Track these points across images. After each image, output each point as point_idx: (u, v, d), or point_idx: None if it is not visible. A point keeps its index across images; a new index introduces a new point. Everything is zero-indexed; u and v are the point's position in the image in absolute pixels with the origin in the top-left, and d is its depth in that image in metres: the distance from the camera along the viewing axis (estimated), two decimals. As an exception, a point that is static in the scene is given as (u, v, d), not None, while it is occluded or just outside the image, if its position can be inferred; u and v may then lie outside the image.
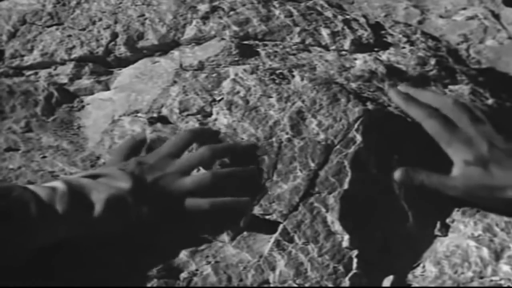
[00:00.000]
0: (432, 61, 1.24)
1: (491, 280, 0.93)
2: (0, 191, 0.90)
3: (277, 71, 1.14)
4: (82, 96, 1.21)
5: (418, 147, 1.04)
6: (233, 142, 1.04)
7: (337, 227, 0.96)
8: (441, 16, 1.46)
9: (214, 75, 1.14)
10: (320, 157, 1.02)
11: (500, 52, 1.38)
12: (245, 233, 0.97)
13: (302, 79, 1.11)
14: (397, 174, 1.00)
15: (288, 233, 0.96)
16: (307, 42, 1.25)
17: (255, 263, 0.94)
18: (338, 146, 1.02)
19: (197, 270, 0.93)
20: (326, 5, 1.35)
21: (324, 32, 1.27)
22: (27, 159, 1.07)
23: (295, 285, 0.92)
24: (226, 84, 1.12)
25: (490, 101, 1.18)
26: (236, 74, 1.13)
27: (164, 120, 1.10)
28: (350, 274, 0.93)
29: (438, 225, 1.00)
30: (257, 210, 0.98)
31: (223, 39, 1.24)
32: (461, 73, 1.24)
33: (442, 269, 0.95)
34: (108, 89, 1.21)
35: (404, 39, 1.30)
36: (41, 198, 0.89)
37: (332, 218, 0.97)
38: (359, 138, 1.03)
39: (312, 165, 1.01)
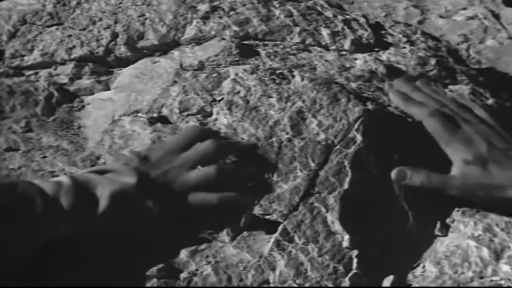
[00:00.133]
0: (432, 61, 1.24)
1: (491, 280, 0.93)
2: (5, 186, 0.90)
3: (277, 71, 1.14)
4: (82, 96, 1.21)
5: (418, 147, 1.04)
6: (235, 141, 1.05)
7: (337, 227, 0.96)
8: (441, 16, 1.46)
9: (214, 75, 1.14)
10: (320, 157, 1.02)
11: (500, 52, 1.38)
12: (245, 233, 0.97)
13: (302, 79, 1.11)
14: (394, 174, 1.00)
15: (288, 233, 0.96)
16: (307, 42, 1.25)
17: (255, 263, 0.94)
18: (338, 146, 1.03)
19: (197, 270, 0.93)
20: (326, 5, 1.35)
21: (324, 32, 1.27)
22: (27, 159, 1.07)
23: (295, 285, 0.92)
24: (226, 84, 1.12)
25: (490, 101, 1.18)
26: (236, 74, 1.13)
27: (164, 120, 1.10)
28: (350, 274, 0.93)
29: (438, 225, 1.00)
30: (257, 210, 0.98)
31: (223, 39, 1.24)
32: (461, 73, 1.24)
33: (442, 269, 0.95)
34: (108, 89, 1.21)
35: (404, 39, 1.30)
36: (46, 192, 0.89)
37: (332, 218, 0.97)
38: (359, 138, 1.03)
39: (312, 165, 1.01)
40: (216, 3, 1.31)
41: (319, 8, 1.33)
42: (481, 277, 0.93)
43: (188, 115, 1.10)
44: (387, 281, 0.94)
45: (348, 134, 1.04)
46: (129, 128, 1.10)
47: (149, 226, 0.95)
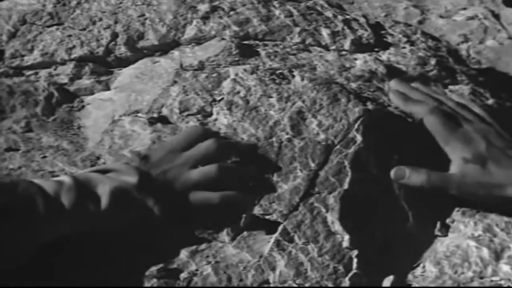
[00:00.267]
0: (432, 61, 1.24)
1: (491, 280, 0.93)
2: (5, 185, 0.90)
3: (277, 71, 1.14)
4: (82, 96, 1.21)
5: (418, 147, 1.04)
6: (235, 141, 1.05)
7: (337, 227, 0.96)
8: (441, 16, 1.46)
9: (214, 75, 1.14)
10: (320, 157, 1.02)
11: (500, 52, 1.38)
12: (245, 233, 0.97)
13: (302, 79, 1.11)
14: (393, 172, 1.00)
15: (288, 233, 0.96)
16: (307, 42, 1.25)
17: (255, 263, 0.94)
18: (338, 146, 1.03)
19: (197, 270, 0.93)
20: (326, 5, 1.35)
21: (324, 32, 1.27)
22: (27, 159, 1.07)
23: (295, 285, 0.92)
24: (226, 84, 1.12)
25: (490, 101, 1.19)
26: (236, 74, 1.13)
27: (164, 120, 1.10)
28: (350, 274, 0.93)
29: (438, 225, 1.00)
30: (257, 210, 0.98)
31: (223, 39, 1.24)
32: (461, 73, 1.24)
33: (442, 269, 0.95)
34: (108, 89, 1.21)
35: (404, 39, 1.30)
36: (47, 192, 0.89)
37: (332, 218, 0.97)
38: (359, 138, 1.03)
39: (312, 165, 1.01)
40: (216, 3, 1.31)
41: (319, 8, 1.33)
42: (481, 277, 0.93)
43: (188, 115, 1.10)
44: (387, 281, 0.94)
45: (348, 134, 1.04)
46: (129, 128, 1.10)
47: (149, 225, 0.95)
